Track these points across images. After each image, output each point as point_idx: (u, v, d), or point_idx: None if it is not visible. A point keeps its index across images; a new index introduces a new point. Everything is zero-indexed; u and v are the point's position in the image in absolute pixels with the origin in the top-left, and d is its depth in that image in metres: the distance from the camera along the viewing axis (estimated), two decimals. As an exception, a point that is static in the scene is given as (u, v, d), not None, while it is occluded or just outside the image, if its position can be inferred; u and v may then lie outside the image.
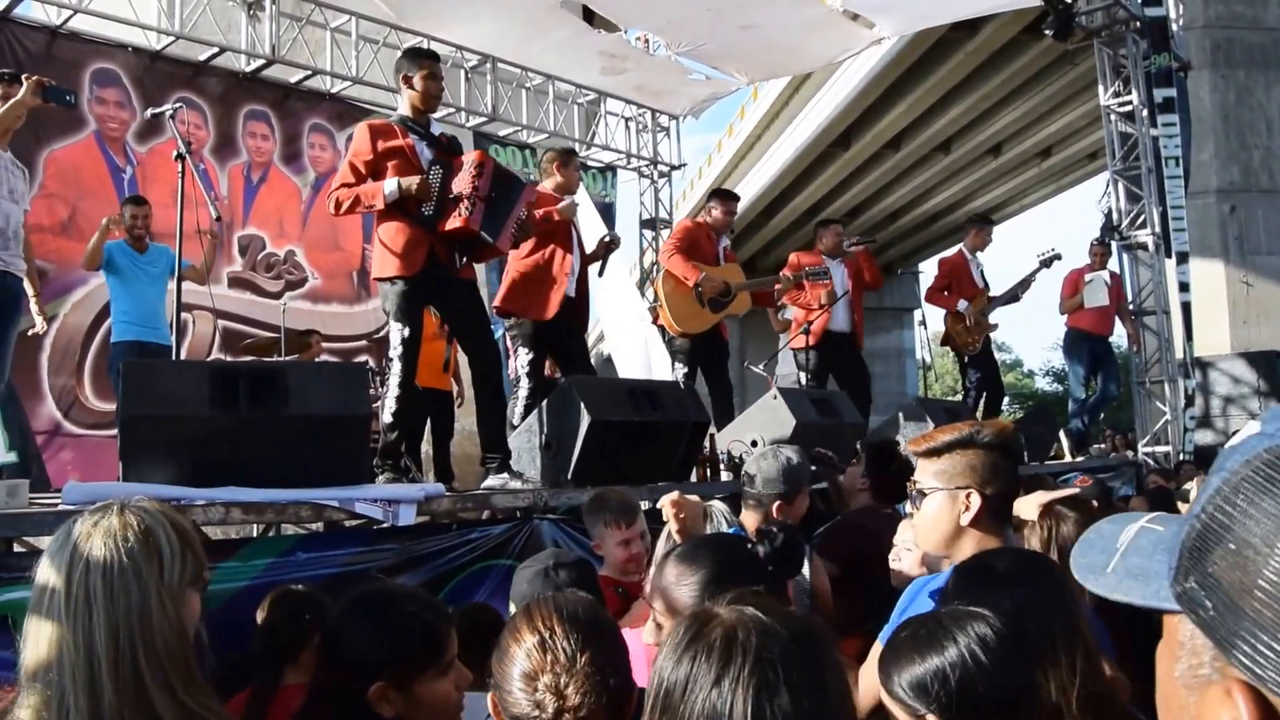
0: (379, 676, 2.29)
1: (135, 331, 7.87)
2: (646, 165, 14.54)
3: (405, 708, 2.28)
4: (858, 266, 9.67)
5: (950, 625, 1.91)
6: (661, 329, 8.38)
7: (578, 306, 7.23)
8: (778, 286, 8.96)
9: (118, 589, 1.94)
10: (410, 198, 5.71)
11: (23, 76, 5.75)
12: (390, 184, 5.68)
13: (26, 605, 2.37)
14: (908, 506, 2.81)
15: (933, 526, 2.73)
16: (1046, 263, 11.11)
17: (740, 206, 31.16)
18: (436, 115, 6.27)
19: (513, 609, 3.05)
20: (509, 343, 7.50)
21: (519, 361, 7.02)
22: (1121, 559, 0.91)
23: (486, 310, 6.40)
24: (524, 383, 6.92)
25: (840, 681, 1.44)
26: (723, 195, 8.93)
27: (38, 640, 1.96)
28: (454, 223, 5.73)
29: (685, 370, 8.32)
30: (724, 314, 8.24)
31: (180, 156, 5.83)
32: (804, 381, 9.38)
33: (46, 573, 2.00)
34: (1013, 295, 10.91)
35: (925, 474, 2.75)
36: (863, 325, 9.84)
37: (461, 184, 5.78)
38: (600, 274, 7.84)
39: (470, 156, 5.99)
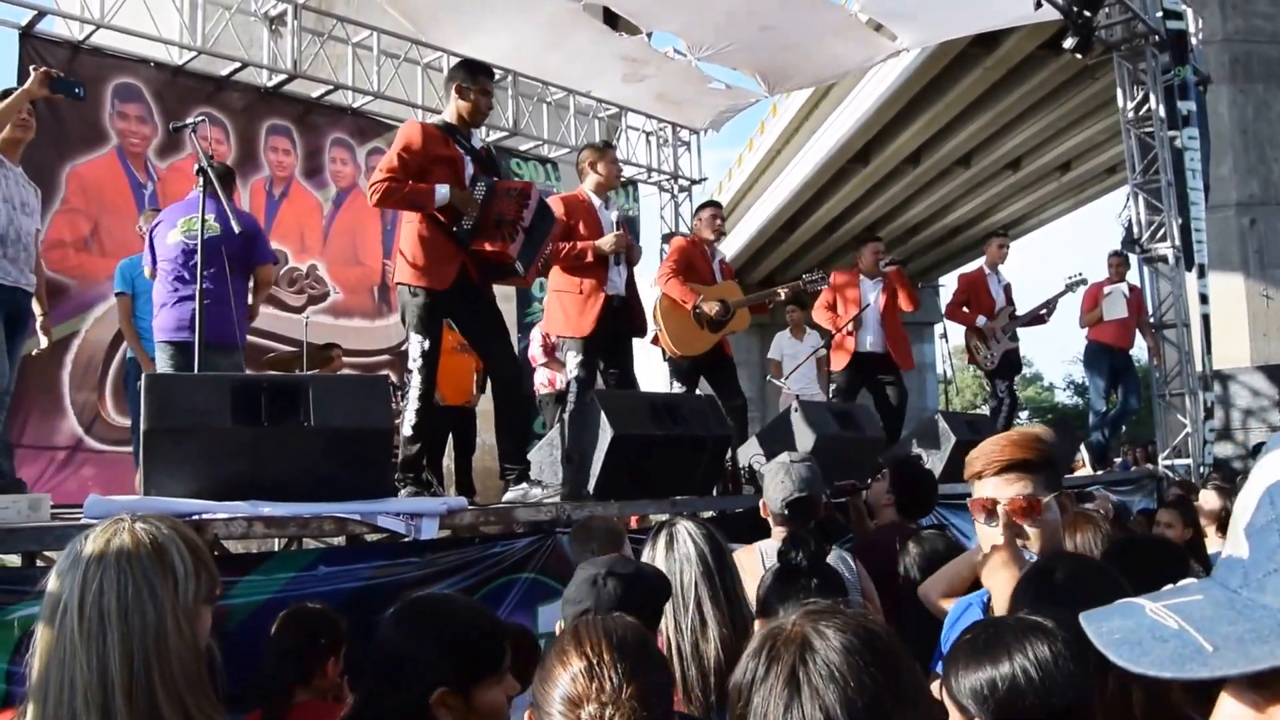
0: (442, 683, 2.28)
1: (153, 350, 7.82)
2: (667, 180, 14.54)
3: (463, 715, 2.28)
4: (892, 287, 9.60)
5: (1009, 637, 1.91)
6: (661, 349, 8.30)
7: (623, 311, 7.15)
8: (775, 300, 8.90)
9: (132, 611, 1.92)
10: (449, 211, 5.71)
11: (31, 68, 5.68)
12: (443, 190, 5.65)
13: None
14: (1002, 522, 2.72)
15: (1056, 529, 2.73)
16: (1072, 286, 11.10)
17: (759, 221, 31.42)
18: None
19: (558, 615, 3.06)
20: (560, 352, 7.45)
21: (569, 367, 6.95)
22: (1206, 634, 0.84)
23: (507, 324, 6.38)
24: (574, 388, 6.84)
25: (896, 684, 1.43)
26: (708, 204, 8.85)
27: (47, 658, 1.93)
28: (493, 245, 5.72)
29: (684, 388, 8.26)
30: (724, 333, 8.14)
31: (201, 170, 5.78)
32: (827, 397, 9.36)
33: (58, 590, 1.97)
34: (1036, 317, 10.89)
35: (1035, 485, 2.71)
36: (901, 345, 9.65)
37: (509, 210, 5.76)
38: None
39: (517, 185, 6.01)
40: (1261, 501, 0.85)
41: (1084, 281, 11.27)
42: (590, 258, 6.92)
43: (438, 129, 5.96)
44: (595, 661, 1.87)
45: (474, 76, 6.06)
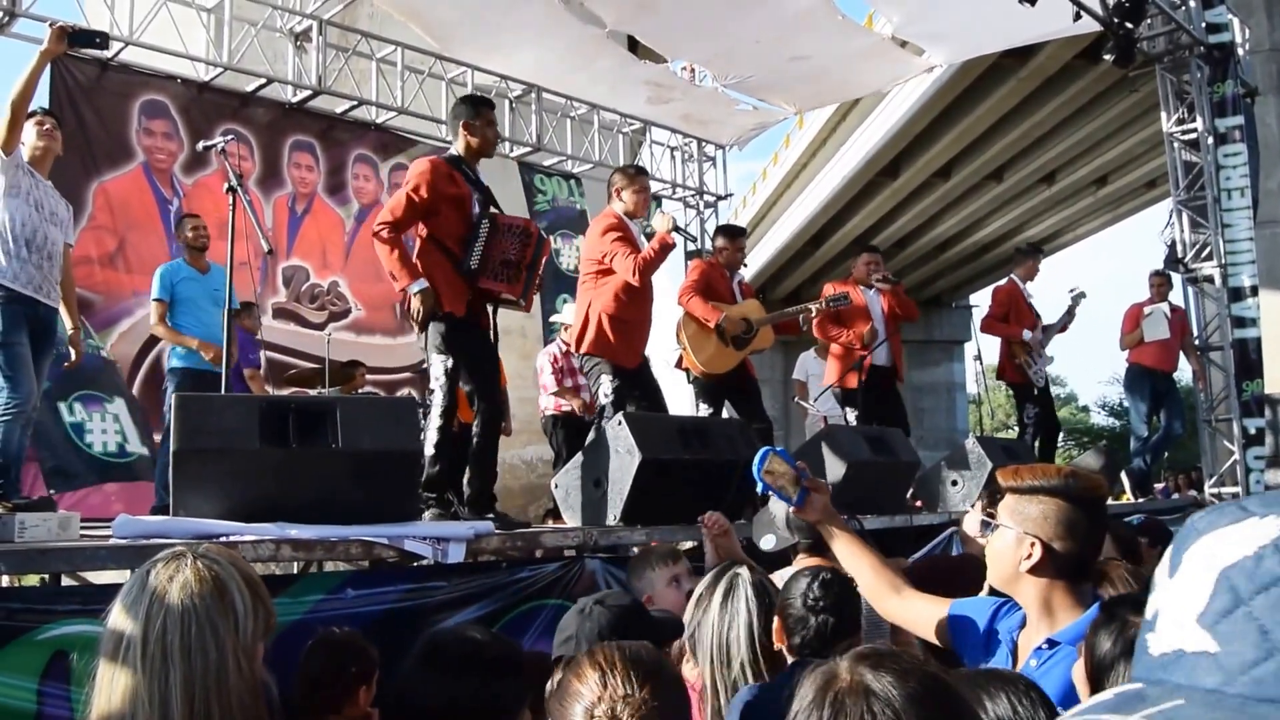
0: None
1: (194, 359, 7.76)
2: (692, 195, 14.43)
3: None
4: (890, 298, 9.45)
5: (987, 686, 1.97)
6: (686, 370, 8.23)
7: None
8: (799, 317, 8.83)
9: (195, 649, 1.96)
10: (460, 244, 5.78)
11: (47, 25, 5.71)
12: (417, 286, 5.69)
13: (79, 641, 2.35)
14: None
15: (995, 562, 2.67)
16: (1076, 299, 10.84)
17: (785, 235, 31.27)
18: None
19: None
20: (585, 374, 7.34)
21: (602, 390, 6.79)
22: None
23: (500, 360, 6.40)
24: (609, 412, 6.66)
25: None
26: (730, 232, 8.72)
27: (111, 691, 1.97)
28: (496, 286, 5.80)
29: (710, 409, 8.23)
30: (748, 350, 8.07)
31: (231, 189, 5.78)
32: (847, 419, 9.25)
33: (122, 623, 2.01)
34: (1062, 326, 10.72)
35: (1004, 508, 2.65)
36: (902, 358, 9.63)
37: (513, 250, 5.82)
38: None
39: (519, 222, 6.03)
40: (1218, 589, 0.74)
41: (1083, 295, 10.97)
42: (657, 246, 6.68)
43: (447, 165, 5.97)
44: (609, 670, 1.92)
45: (478, 111, 6.12)
